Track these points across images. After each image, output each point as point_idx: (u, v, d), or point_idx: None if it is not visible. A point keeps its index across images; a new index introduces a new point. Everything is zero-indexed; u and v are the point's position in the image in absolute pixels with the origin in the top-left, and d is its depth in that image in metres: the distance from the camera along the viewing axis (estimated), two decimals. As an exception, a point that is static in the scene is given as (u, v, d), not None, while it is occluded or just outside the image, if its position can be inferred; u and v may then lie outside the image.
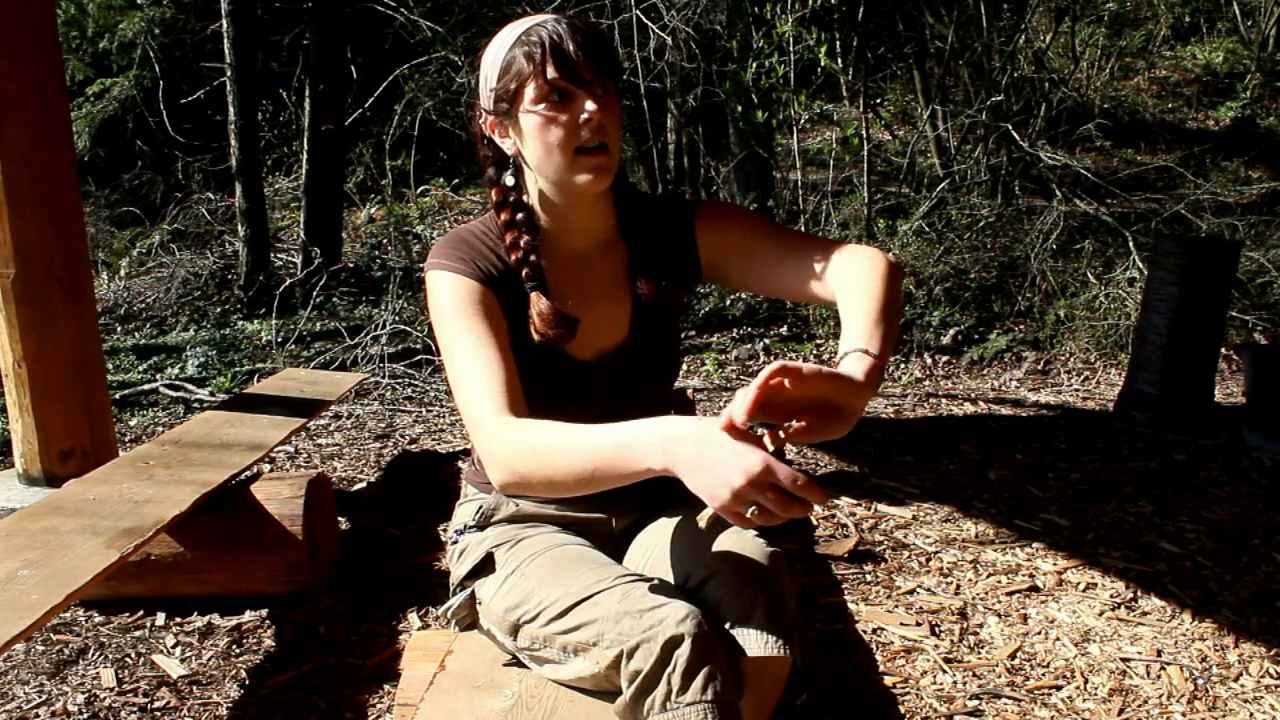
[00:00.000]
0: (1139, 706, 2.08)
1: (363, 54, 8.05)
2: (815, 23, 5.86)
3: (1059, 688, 2.15)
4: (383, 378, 5.19)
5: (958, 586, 2.65)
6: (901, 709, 2.08)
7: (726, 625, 1.27)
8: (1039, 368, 5.25)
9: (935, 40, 7.61)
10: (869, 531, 3.03)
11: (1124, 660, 2.25)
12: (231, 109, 7.08)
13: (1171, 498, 3.22)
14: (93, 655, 2.36)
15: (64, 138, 2.86)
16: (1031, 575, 2.71)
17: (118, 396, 4.84)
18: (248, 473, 2.70)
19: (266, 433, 2.96)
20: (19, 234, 2.76)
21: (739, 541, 1.37)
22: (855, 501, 3.26)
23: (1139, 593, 2.58)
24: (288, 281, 6.84)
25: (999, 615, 2.48)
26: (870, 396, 1.17)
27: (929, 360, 5.42)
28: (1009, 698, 2.11)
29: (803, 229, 6.08)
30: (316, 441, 4.20)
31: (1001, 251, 6.30)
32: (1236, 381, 4.79)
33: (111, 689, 2.21)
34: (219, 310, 7.03)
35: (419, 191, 8.72)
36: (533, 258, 1.43)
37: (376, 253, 7.96)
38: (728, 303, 6.28)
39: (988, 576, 2.71)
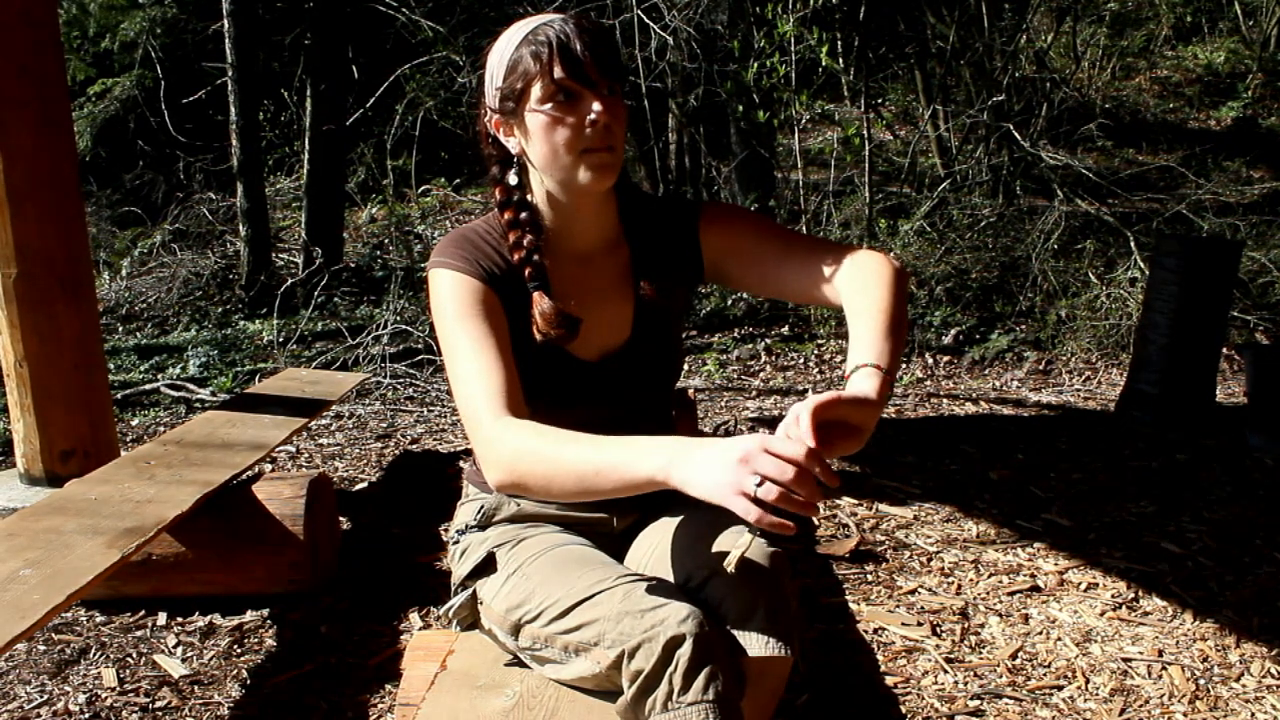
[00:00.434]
0: (1140, 707, 2.08)
1: (364, 54, 8.05)
2: (816, 23, 5.86)
3: (1060, 688, 2.15)
4: (384, 377, 5.19)
5: (959, 586, 2.65)
6: (903, 709, 2.08)
7: (727, 625, 1.27)
8: (1040, 368, 5.25)
9: (936, 40, 7.60)
10: (870, 531, 3.03)
11: (1125, 660, 2.25)
12: (233, 109, 7.08)
13: (1173, 498, 3.22)
14: (94, 655, 2.36)
15: (65, 137, 2.86)
16: (1033, 575, 2.70)
17: (119, 396, 4.84)
18: (249, 473, 2.70)
19: (268, 433, 2.96)
20: (20, 233, 2.76)
21: (740, 542, 1.37)
22: (856, 501, 3.26)
23: (1140, 593, 2.58)
24: (289, 281, 6.85)
25: (1000, 615, 2.48)
26: (882, 411, 1.18)
27: (930, 360, 5.42)
28: (1010, 698, 2.11)
29: (804, 229, 6.08)
30: (318, 441, 4.20)
31: (1003, 251, 6.30)
32: (1238, 382, 4.79)
33: (113, 689, 2.21)
34: (220, 310, 7.04)
35: (420, 191, 8.73)
36: (535, 257, 1.43)
37: (378, 253, 7.96)
38: (729, 303, 6.28)
39: (989, 576, 2.71)
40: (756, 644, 1.25)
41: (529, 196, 1.45)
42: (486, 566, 1.50)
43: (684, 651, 1.18)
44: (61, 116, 2.84)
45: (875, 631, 2.41)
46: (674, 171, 7.52)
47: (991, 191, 6.94)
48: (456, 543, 1.59)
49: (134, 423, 4.56)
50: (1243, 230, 6.23)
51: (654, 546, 1.49)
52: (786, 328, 6.01)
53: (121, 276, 7.96)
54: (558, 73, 1.31)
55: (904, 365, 5.36)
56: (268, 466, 3.80)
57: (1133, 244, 5.76)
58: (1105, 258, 6.03)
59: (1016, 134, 6.73)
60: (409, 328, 5.83)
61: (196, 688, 2.22)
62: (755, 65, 5.55)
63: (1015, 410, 4.47)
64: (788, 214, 6.74)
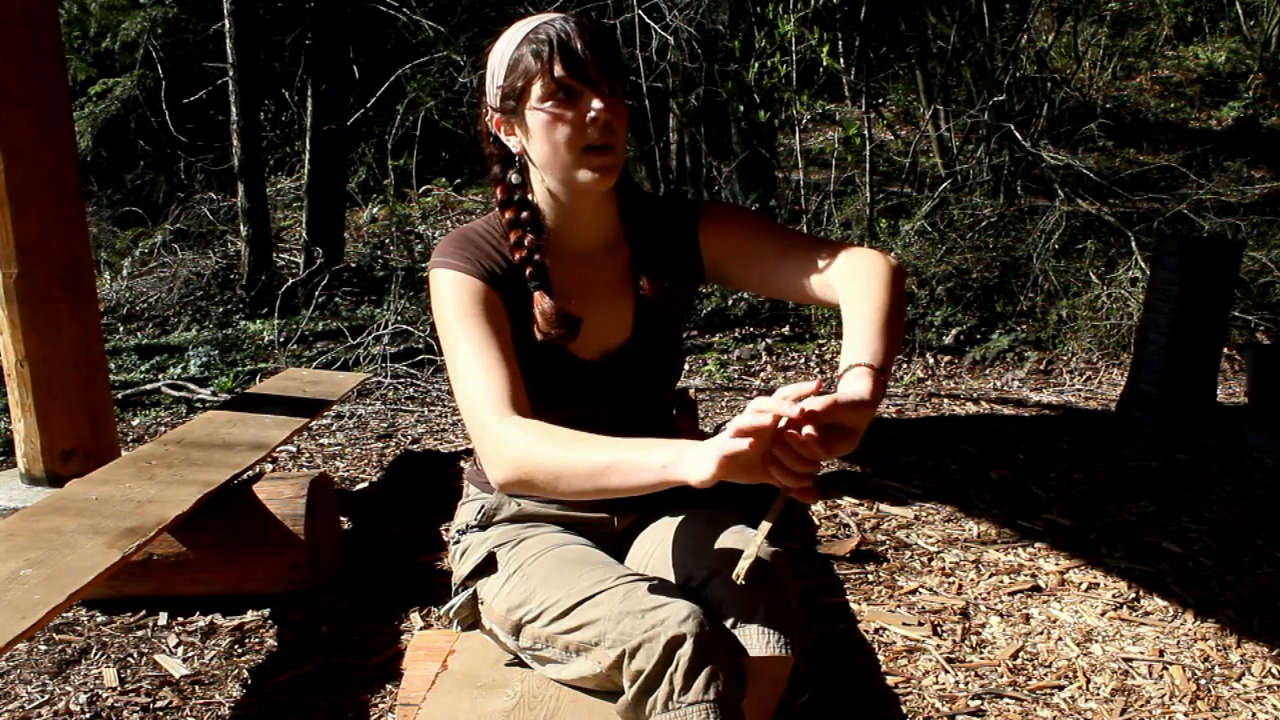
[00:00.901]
0: (1141, 706, 2.07)
1: (365, 54, 8.05)
2: (817, 22, 5.86)
3: (1061, 688, 2.15)
4: (385, 377, 5.19)
5: (960, 586, 2.65)
6: (904, 709, 2.08)
7: (728, 625, 1.27)
8: (1041, 368, 5.25)
9: (937, 40, 7.60)
10: (871, 531, 3.03)
11: (1126, 660, 2.25)
12: (234, 109, 7.09)
13: (1173, 498, 3.22)
14: (95, 655, 2.37)
15: (66, 137, 2.86)
16: (1034, 575, 2.70)
17: (120, 396, 4.84)
18: (250, 473, 2.70)
19: (269, 432, 2.96)
20: (21, 233, 2.76)
21: (740, 541, 1.37)
22: (857, 501, 3.26)
23: (1141, 593, 2.58)
24: (290, 281, 6.85)
25: (1001, 615, 2.48)
26: (875, 411, 1.17)
27: (931, 360, 5.42)
28: (1011, 698, 2.11)
29: (805, 229, 6.08)
30: (319, 441, 4.20)
31: (1003, 251, 6.29)
32: (1239, 382, 4.78)
33: (114, 689, 2.21)
34: (221, 310, 7.04)
35: (421, 191, 8.73)
36: (536, 257, 1.43)
37: (379, 252, 7.96)
38: (730, 302, 6.28)
39: (990, 576, 2.70)
40: (757, 644, 1.25)
41: (530, 196, 1.45)
42: (487, 566, 1.50)
43: (685, 651, 1.18)
44: (62, 116, 2.84)
45: (876, 631, 2.41)
46: (675, 171, 7.52)
47: (992, 191, 6.94)
48: (457, 542, 1.59)
49: (135, 423, 4.57)
50: (1243, 230, 6.22)
51: (654, 546, 1.49)
52: (787, 327, 6.01)
53: (122, 276, 7.97)
54: (558, 71, 1.31)
55: (904, 365, 5.36)
56: (268, 466, 3.80)
57: (1134, 244, 5.76)
58: (1106, 258, 6.03)
59: (1017, 134, 6.73)
60: (410, 328, 5.83)
61: (197, 687, 2.22)
62: (756, 65, 5.55)
63: (1016, 410, 4.47)
64: (788, 214, 6.74)
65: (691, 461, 1.11)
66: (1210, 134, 8.92)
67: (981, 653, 2.30)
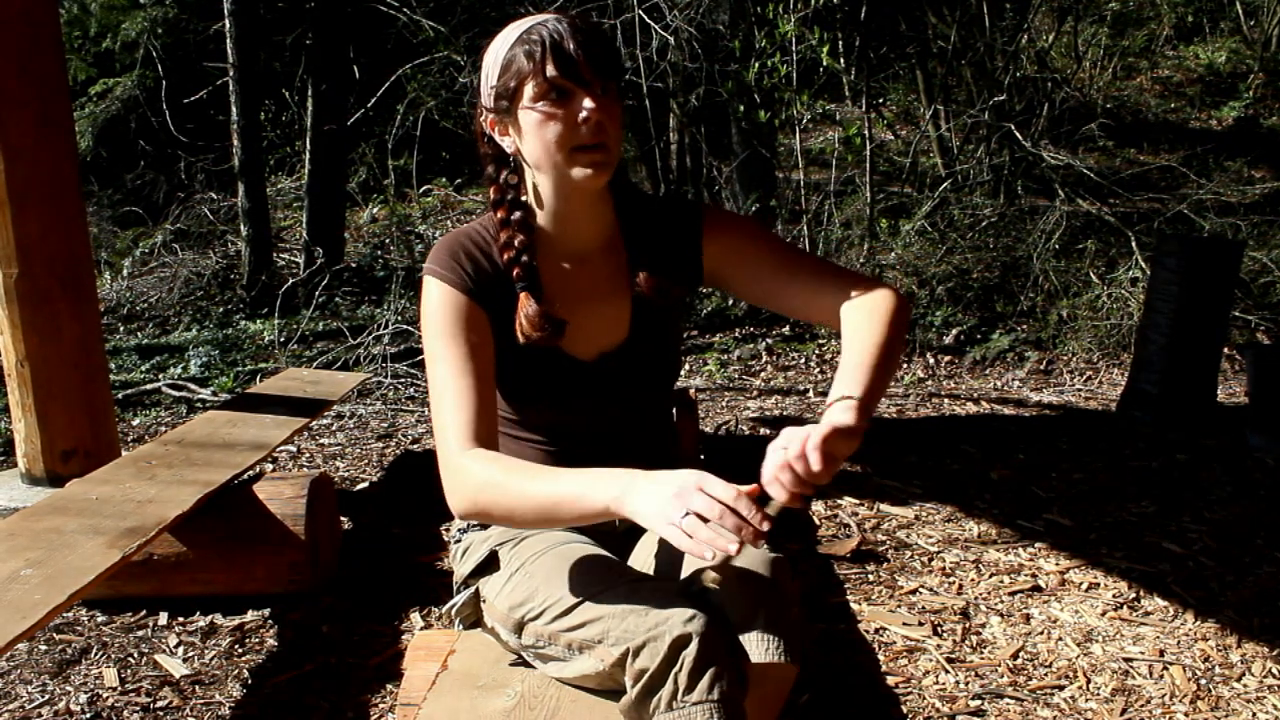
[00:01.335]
0: (1141, 706, 2.07)
1: (365, 54, 8.05)
2: (818, 22, 5.86)
3: (1061, 688, 2.15)
4: (385, 377, 5.19)
5: (960, 586, 2.65)
6: (904, 709, 2.08)
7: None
8: (1041, 368, 5.25)
9: (938, 40, 7.60)
10: (871, 531, 3.03)
11: (1126, 660, 2.25)
12: (234, 109, 7.08)
13: (1174, 498, 3.22)
14: (95, 655, 2.37)
15: (66, 137, 2.86)
16: (1034, 575, 2.70)
17: (120, 396, 4.84)
18: (250, 472, 2.70)
19: (269, 432, 2.96)
20: (21, 233, 2.76)
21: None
22: (858, 501, 3.26)
23: (1141, 593, 2.58)
24: (290, 281, 6.85)
25: (1001, 615, 2.48)
26: (858, 443, 1.22)
27: (931, 360, 5.42)
28: (1011, 698, 2.11)
29: (805, 229, 6.08)
30: (319, 441, 4.20)
31: (1004, 251, 6.29)
32: (1239, 382, 4.78)
33: (114, 688, 2.21)
34: (221, 310, 7.04)
35: (421, 191, 8.73)
36: (524, 258, 1.43)
37: (379, 252, 7.96)
38: (730, 303, 6.28)
39: (990, 576, 2.71)
40: (756, 650, 1.24)
41: (523, 196, 1.45)
42: (489, 564, 1.50)
43: (690, 651, 1.18)
44: (62, 116, 2.84)
45: (876, 631, 2.41)
46: (675, 171, 7.52)
47: (993, 191, 6.94)
48: (458, 541, 1.59)
49: (135, 422, 4.57)
50: (1244, 230, 6.22)
51: (656, 548, 1.50)
52: (787, 328, 6.00)
53: (123, 276, 7.97)
54: (550, 71, 1.31)
55: (905, 365, 5.36)
56: (269, 466, 3.80)
57: (1134, 244, 5.76)
58: (1106, 258, 6.03)
59: (1018, 134, 6.73)
60: (410, 328, 5.83)
61: (197, 687, 2.22)
62: (756, 65, 5.55)
63: (1016, 410, 4.47)
64: (789, 214, 6.74)
65: (641, 507, 1.16)
66: (1210, 134, 8.91)
67: (982, 653, 2.30)
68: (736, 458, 3.81)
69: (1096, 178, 6.93)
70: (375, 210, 8.92)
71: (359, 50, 7.79)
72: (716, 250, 1.51)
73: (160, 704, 2.15)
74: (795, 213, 6.76)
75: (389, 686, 2.20)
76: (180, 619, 2.53)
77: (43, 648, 2.39)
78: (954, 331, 5.61)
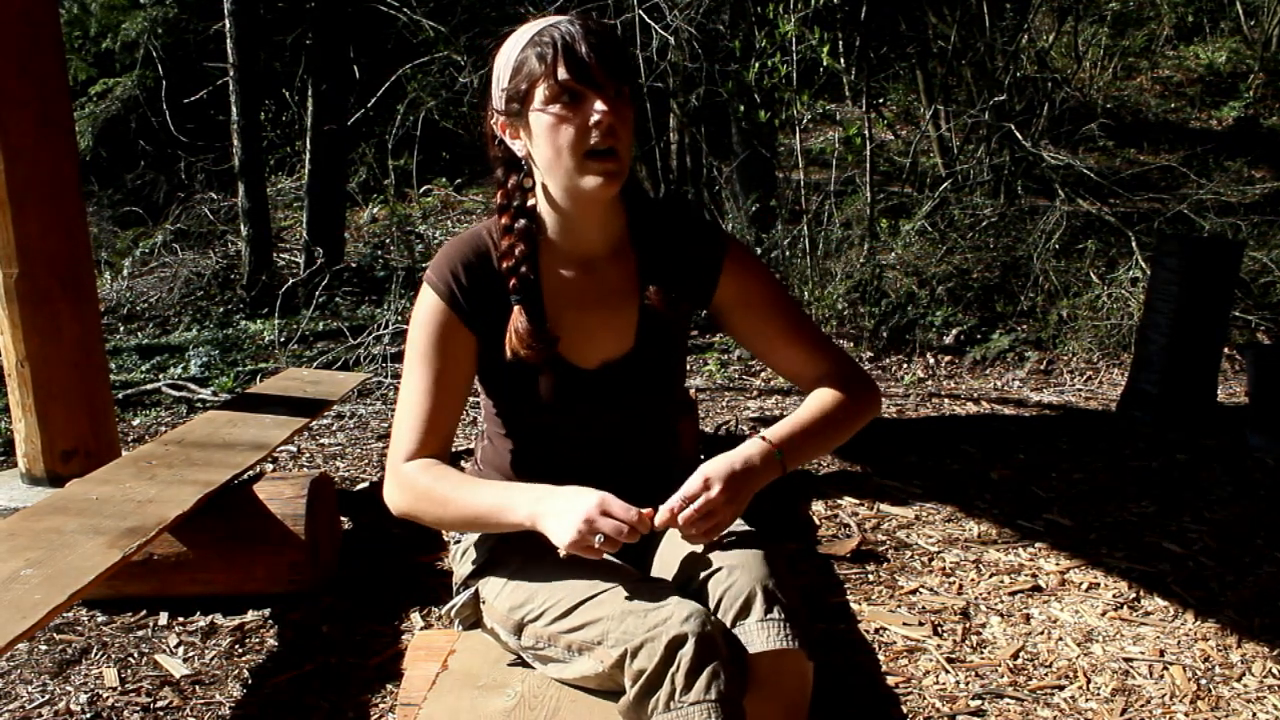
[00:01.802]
0: (1141, 706, 2.07)
1: (365, 54, 8.04)
2: (818, 22, 5.86)
3: (1061, 688, 2.15)
4: (385, 377, 5.19)
5: (960, 586, 2.65)
6: (904, 709, 2.08)
7: (728, 624, 1.27)
8: (1041, 368, 5.25)
9: (938, 40, 7.60)
10: (871, 531, 3.03)
11: (1126, 660, 2.25)
12: (234, 109, 7.08)
13: (1174, 498, 3.22)
14: (95, 655, 2.37)
15: (67, 137, 2.86)
16: (1034, 575, 2.70)
17: (120, 396, 4.84)
18: (250, 472, 2.70)
19: (269, 432, 2.96)
20: (21, 233, 2.76)
21: (734, 541, 1.38)
22: (858, 501, 3.26)
23: (1141, 593, 2.58)
24: (290, 281, 6.84)
25: (1001, 615, 2.48)
26: (753, 482, 1.35)
27: (931, 360, 5.42)
28: (1011, 697, 2.11)
29: (805, 229, 6.08)
30: (319, 441, 4.20)
31: (1004, 251, 6.29)
32: (1239, 382, 4.78)
33: (114, 688, 2.21)
34: (221, 310, 7.03)
35: (421, 191, 8.73)
36: (523, 268, 1.42)
37: (379, 252, 7.96)
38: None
39: (990, 576, 2.70)
40: (757, 639, 1.25)
41: (531, 201, 1.44)
42: (489, 566, 1.50)
43: (686, 651, 1.18)
44: (62, 116, 2.84)
45: (876, 631, 2.41)
46: (675, 171, 7.51)
47: (993, 191, 6.93)
48: (458, 542, 1.59)
49: (135, 422, 4.57)
50: (1244, 230, 6.22)
51: (655, 550, 1.50)
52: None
53: (123, 276, 7.96)
54: (562, 74, 1.30)
55: (906, 365, 5.36)
56: (269, 466, 3.80)
57: (1134, 244, 5.76)
58: (1106, 258, 6.03)
59: (1018, 134, 6.73)
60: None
61: (198, 687, 2.22)
62: (756, 65, 5.55)
63: (1016, 410, 4.47)
64: (789, 214, 6.73)
65: (553, 527, 1.29)
66: (1210, 134, 8.91)
67: (982, 653, 2.30)
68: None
69: (1096, 178, 6.93)
70: (375, 210, 8.92)
71: (359, 50, 7.79)
72: (731, 288, 1.51)
73: (160, 704, 2.15)
74: (795, 213, 6.75)
75: (389, 686, 2.20)
76: (180, 619, 2.53)
77: (43, 648, 2.39)
78: (954, 331, 5.61)
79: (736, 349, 5.70)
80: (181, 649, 2.39)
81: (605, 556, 1.41)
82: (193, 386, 5.07)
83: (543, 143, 1.35)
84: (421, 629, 2.46)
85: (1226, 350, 4.78)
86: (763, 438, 1.38)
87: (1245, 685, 2.15)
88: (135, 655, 2.36)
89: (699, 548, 1.38)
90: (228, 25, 6.95)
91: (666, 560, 1.46)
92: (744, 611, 1.26)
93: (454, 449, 4.06)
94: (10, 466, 3.26)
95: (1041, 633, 2.39)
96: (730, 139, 6.95)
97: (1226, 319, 4.16)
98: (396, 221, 8.01)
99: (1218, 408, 4.16)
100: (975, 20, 7.09)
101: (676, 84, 6.70)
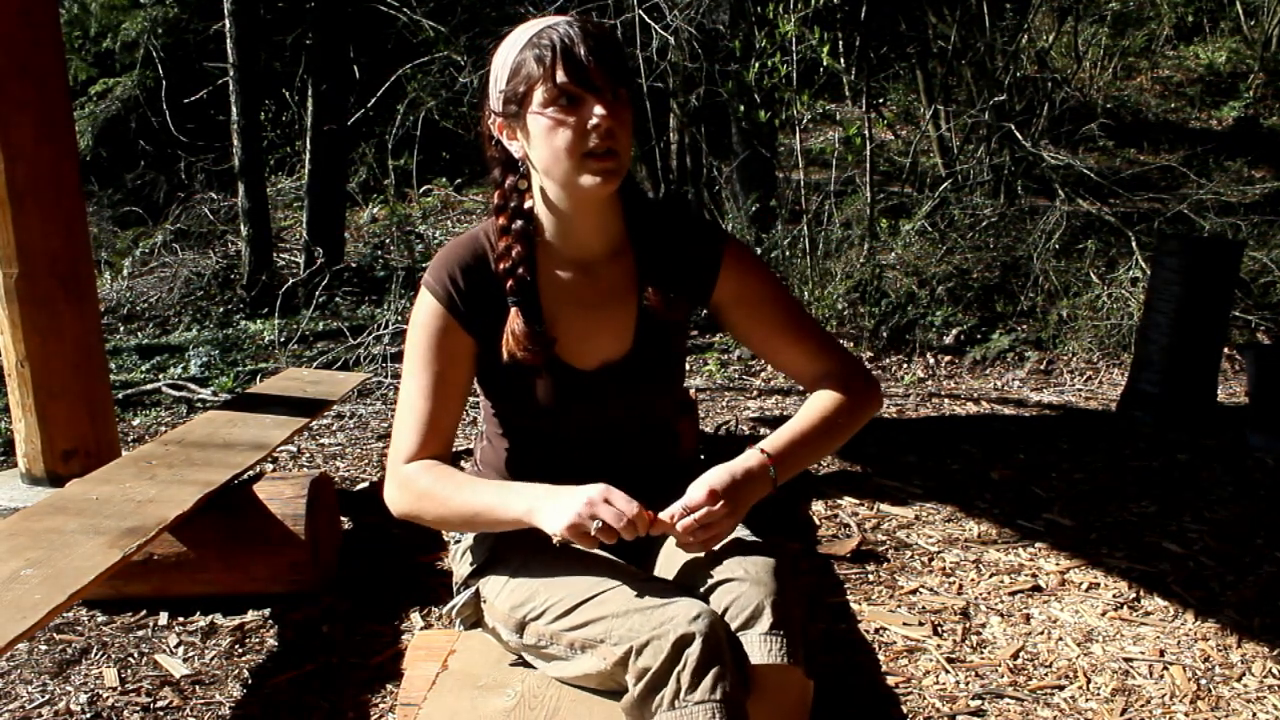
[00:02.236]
0: (1141, 706, 2.07)
1: (365, 54, 8.05)
2: (818, 22, 5.86)
3: (1061, 688, 2.15)
4: (385, 377, 5.19)
5: (960, 586, 2.65)
6: (904, 709, 2.08)
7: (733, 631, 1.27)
8: (1041, 368, 5.25)
9: (938, 40, 7.60)
10: (871, 531, 3.03)
11: (1126, 660, 2.25)
12: (234, 109, 7.08)
13: (1174, 498, 3.22)
14: (95, 655, 2.37)
15: (67, 137, 2.86)
16: (1034, 575, 2.70)
17: (120, 396, 4.84)
18: (250, 472, 2.70)
19: (269, 432, 2.96)
20: (22, 233, 2.76)
21: (743, 550, 1.37)
22: (858, 501, 3.26)
23: (1141, 593, 2.58)
24: (290, 281, 6.85)
25: (1001, 615, 2.48)
26: (758, 488, 1.36)
27: (931, 360, 5.42)
28: (1011, 697, 2.11)
29: (805, 229, 6.08)
30: (319, 441, 4.20)
31: (1004, 251, 6.29)
32: (1239, 382, 4.78)
33: (114, 688, 2.21)
34: (222, 310, 7.03)
35: (421, 191, 8.72)
36: (520, 270, 1.42)
37: (379, 252, 7.96)
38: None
39: (990, 576, 2.70)
40: (758, 652, 1.24)
41: (528, 202, 1.44)
42: (490, 564, 1.50)
43: (693, 650, 1.18)
44: (62, 116, 2.84)
45: (876, 631, 2.41)
46: (675, 171, 7.51)
47: (993, 191, 6.93)
48: (458, 541, 1.59)
49: (135, 422, 4.57)
50: (1244, 230, 6.22)
51: (658, 551, 1.50)
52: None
53: (123, 276, 7.96)
54: (560, 76, 1.30)
55: (905, 365, 5.36)
56: (269, 466, 3.80)
57: (1134, 244, 5.75)
58: (1106, 258, 6.03)
59: (1018, 134, 6.73)
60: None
61: (198, 687, 2.22)
62: (756, 65, 5.55)
63: (1016, 410, 4.47)
64: (789, 214, 6.73)
65: (547, 516, 1.29)
66: (1210, 134, 8.91)
67: (982, 653, 2.30)
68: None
69: (1096, 178, 6.93)
70: (375, 210, 8.92)
71: (359, 50, 7.79)
72: (730, 285, 1.50)
73: (160, 704, 2.15)
74: (795, 213, 6.75)
75: (389, 686, 2.20)
76: (180, 619, 2.53)
77: (43, 648, 2.39)
78: (954, 331, 5.61)
79: (736, 349, 5.70)
80: (181, 649, 2.39)
81: (601, 552, 1.42)
82: (193, 386, 5.07)
83: (540, 145, 1.35)
84: (421, 629, 2.46)
85: (1226, 350, 4.78)
86: (761, 449, 1.38)
87: (1245, 685, 2.15)
88: (135, 655, 2.36)
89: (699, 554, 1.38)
90: (228, 25, 6.95)
91: (669, 563, 1.46)
92: (749, 623, 1.26)
93: (454, 449, 4.06)
94: (10, 466, 3.26)
95: (1041, 633, 2.39)
96: (730, 139, 6.96)
97: (1226, 319, 4.16)
98: (396, 221, 8.01)
99: (1218, 408, 4.16)
100: (975, 20, 7.09)
101: (676, 84, 6.70)
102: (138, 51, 9.07)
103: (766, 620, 1.26)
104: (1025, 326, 5.66)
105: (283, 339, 6.04)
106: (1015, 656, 2.28)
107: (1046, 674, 2.21)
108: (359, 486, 3.59)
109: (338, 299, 6.95)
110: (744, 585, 1.29)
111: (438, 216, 8.73)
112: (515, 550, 1.47)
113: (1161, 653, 2.28)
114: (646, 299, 1.46)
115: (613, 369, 1.47)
